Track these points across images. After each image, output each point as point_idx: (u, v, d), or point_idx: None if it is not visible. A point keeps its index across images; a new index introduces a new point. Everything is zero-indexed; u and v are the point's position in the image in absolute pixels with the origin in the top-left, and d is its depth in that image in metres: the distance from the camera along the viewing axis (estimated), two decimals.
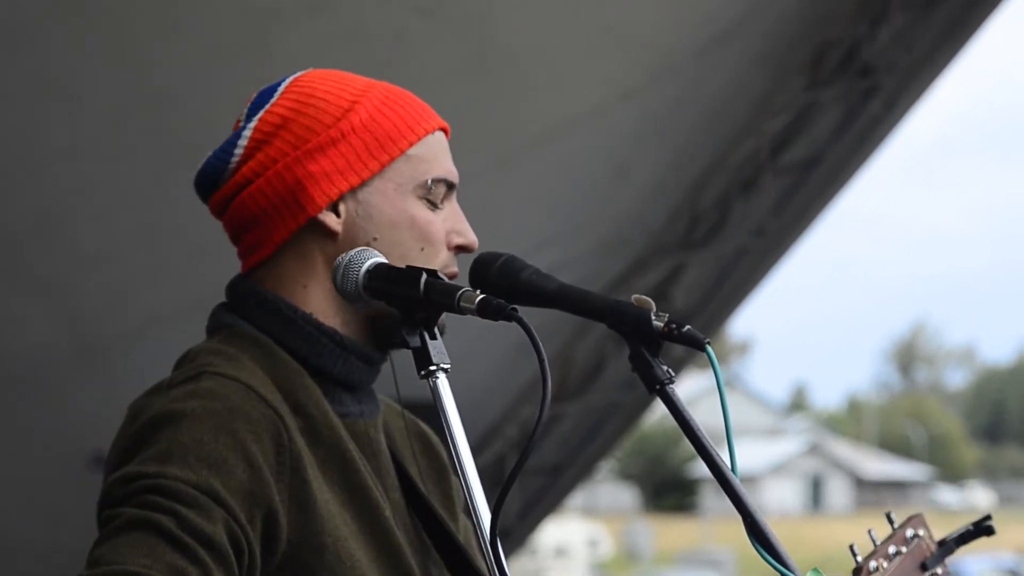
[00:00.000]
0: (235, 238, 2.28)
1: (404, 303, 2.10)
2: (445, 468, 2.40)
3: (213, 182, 2.27)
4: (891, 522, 2.53)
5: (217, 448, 2.04)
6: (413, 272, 2.10)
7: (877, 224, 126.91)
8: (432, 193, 2.25)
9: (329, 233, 2.22)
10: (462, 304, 2.05)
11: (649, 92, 7.24)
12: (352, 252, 2.15)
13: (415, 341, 2.09)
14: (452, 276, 2.25)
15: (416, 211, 2.24)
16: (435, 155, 2.27)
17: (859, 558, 2.45)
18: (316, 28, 6.23)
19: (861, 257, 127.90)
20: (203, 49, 6.14)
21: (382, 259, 2.15)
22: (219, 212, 2.28)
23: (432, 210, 2.25)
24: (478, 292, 2.06)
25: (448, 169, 2.27)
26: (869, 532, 2.48)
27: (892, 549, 2.46)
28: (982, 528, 2.56)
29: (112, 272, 6.84)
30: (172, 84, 6.25)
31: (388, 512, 2.20)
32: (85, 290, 6.92)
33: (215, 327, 2.26)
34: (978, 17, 7.25)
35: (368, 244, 2.20)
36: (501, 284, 2.14)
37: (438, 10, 6.46)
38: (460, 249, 2.28)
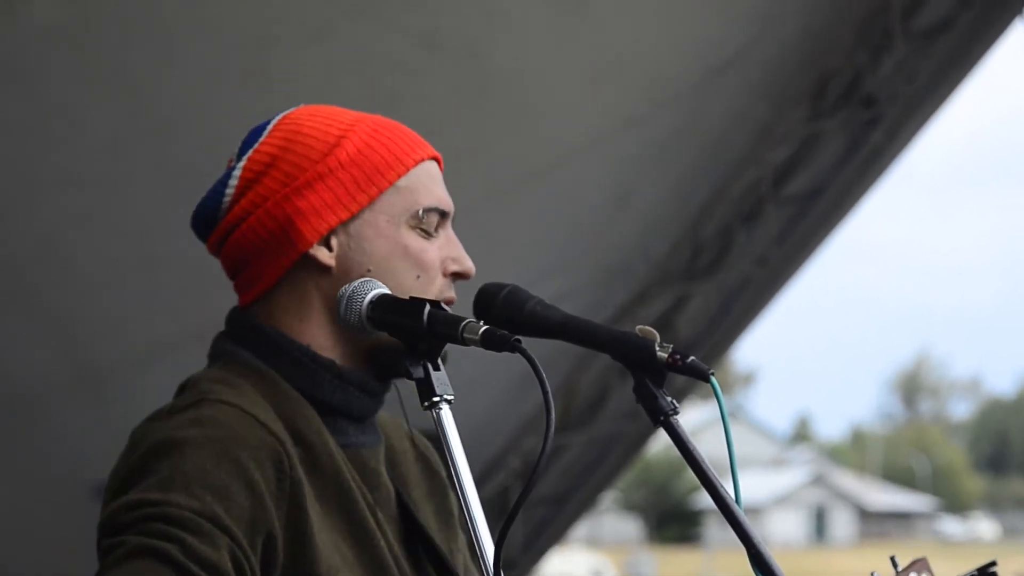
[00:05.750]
0: (232, 275, 2.30)
1: (407, 334, 2.10)
2: (445, 486, 2.41)
3: (208, 221, 2.29)
4: (895, 565, 2.52)
5: (219, 475, 2.05)
6: (417, 303, 2.10)
7: (882, 254, 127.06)
8: (424, 222, 2.25)
9: (322, 268, 2.23)
10: (466, 335, 2.06)
11: (651, 122, 7.24)
12: (355, 283, 2.15)
13: (418, 372, 2.09)
14: (449, 302, 2.25)
15: (409, 241, 2.24)
16: (425, 185, 2.26)
17: None
18: (317, 57, 6.23)
19: (865, 287, 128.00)
20: (204, 78, 6.14)
21: (385, 290, 2.15)
22: (216, 250, 2.30)
23: (426, 239, 2.25)
24: (481, 323, 2.07)
25: (439, 198, 2.27)
26: (872, 575, 2.46)
27: None
28: (986, 575, 2.55)
29: (113, 300, 6.83)
30: (173, 113, 6.25)
31: (383, 543, 2.21)
32: (86, 318, 6.91)
33: (216, 355, 2.27)
34: (980, 48, 7.24)
35: (363, 276, 2.21)
36: (505, 315, 2.13)
37: (440, 40, 6.45)
38: (457, 276, 2.28)
